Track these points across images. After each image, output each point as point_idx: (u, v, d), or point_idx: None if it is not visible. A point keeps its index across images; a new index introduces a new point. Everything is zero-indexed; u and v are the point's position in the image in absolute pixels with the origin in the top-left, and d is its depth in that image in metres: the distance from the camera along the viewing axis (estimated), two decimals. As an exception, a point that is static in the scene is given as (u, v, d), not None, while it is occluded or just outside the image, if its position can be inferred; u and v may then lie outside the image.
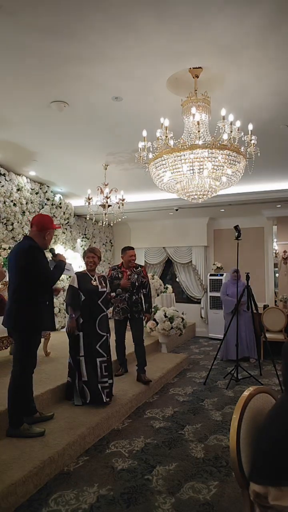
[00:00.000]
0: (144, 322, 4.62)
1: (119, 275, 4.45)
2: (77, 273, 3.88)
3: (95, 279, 3.80)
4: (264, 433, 1.51)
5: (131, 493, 2.45)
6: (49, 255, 3.18)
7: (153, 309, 6.14)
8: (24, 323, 2.83)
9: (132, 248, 4.61)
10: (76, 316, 3.65)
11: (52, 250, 3.25)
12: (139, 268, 4.58)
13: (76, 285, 3.69)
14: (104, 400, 3.57)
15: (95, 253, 3.87)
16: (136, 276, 4.46)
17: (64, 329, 6.99)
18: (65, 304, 3.85)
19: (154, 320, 6.00)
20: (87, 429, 3.09)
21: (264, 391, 1.72)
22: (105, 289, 3.81)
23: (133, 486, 2.53)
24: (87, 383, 3.58)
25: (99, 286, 3.76)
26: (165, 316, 5.89)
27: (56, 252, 3.22)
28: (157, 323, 5.95)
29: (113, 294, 4.16)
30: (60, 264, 3.10)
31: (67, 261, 3.28)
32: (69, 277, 6.61)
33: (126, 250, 4.57)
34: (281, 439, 1.42)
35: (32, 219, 3.11)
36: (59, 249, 6.95)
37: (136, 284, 4.45)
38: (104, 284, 3.85)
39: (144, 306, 4.55)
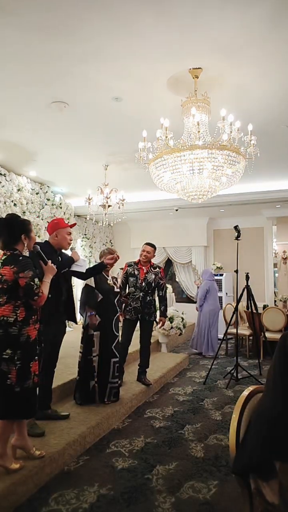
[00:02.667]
0: (156, 325, 4.54)
1: (135, 272, 4.29)
2: None
3: (110, 279, 3.84)
4: (248, 430, 1.55)
5: (131, 493, 2.46)
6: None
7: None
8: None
9: (150, 245, 4.38)
10: (94, 314, 3.64)
11: (71, 248, 3.38)
12: (157, 268, 4.42)
13: (92, 284, 3.68)
14: (109, 399, 3.60)
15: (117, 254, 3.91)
16: (153, 276, 4.30)
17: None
18: (79, 303, 3.81)
19: (154, 319, 6.00)
20: (87, 429, 3.10)
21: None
22: (118, 289, 3.86)
23: (133, 486, 2.53)
24: (98, 383, 3.58)
25: (115, 286, 3.81)
26: (157, 323, 5.88)
27: (72, 250, 3.38)
28: (157, 323, 5.95)
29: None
30: (67, 260, 3.22)
31: (81, 258, 3.35)
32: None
33: (144, 244, 4.40)
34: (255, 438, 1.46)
35: None
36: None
37: (153, 284, 4.30)
38: (117, 284, 3.90)
39: (159, 309, 4.45)
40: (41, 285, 2.41)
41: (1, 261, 2.37)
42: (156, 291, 4.44)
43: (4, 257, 2.38)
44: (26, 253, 2.47)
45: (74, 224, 3.49)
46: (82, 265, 3.38)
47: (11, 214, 2.59)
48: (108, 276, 3.83)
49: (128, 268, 4.36)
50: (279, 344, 1.52)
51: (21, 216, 2.66)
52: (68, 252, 3.37)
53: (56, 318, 3.11)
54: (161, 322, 4.56)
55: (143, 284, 4.25)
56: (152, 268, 4.36)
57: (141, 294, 4.24)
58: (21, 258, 2.36)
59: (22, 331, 2.32)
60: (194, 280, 8.41)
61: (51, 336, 3.06)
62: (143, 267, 4.32)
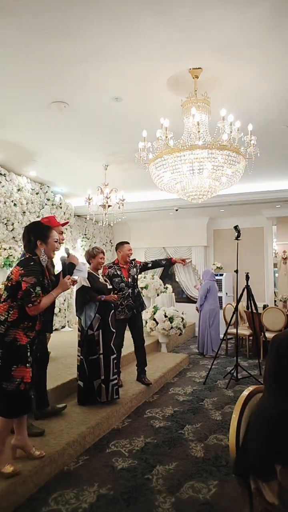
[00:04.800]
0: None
1: (118, 272, 4.27)
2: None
3: (101, 277, 3.89)
4: (248, 431, 1.55)
5: (131, 493, 2.46)
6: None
7: (153, 309, 6.16)
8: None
9: (128, 243, 4.45)
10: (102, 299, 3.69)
11: (66, 250, 3.30)
12: (134, 262, 4.43)
13: (88, 284, 3.66)
14: (112, 398, 3.60)
15: (104, 254, 3.95)
16: (134, 269, 4.36)
17: (64, 329, 7.04)
18: (76, 306, 3.78)
19: (154, 320, 6.01)
20: (87, 429, 3.10)
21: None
22: (111, 286, 3.89)
23: (133, 486, 2.53)
24: (104, 381, 3.57)
25: (107, 284, 3.86)
26: (165, 316, 5.90)
27: (69, 253, 3.28)
28: (157, 323, 5.96)
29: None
30: (69, 266, 3.15)
31: (80, 261, 3.32)
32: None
33: (123, 244, 4.38)
34: (256, 439, 1.46)
35: None
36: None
37: (136, 277, 4.37)
38: (109, 282, 3.94)
39: (160, 262, 4.49)
40: (44, 296, 2.39)
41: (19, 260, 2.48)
42: (142, 272, 4.51)
43: (22, 258, 2.49)
44: (44, 259, 2.47)
45: (67, 222, 3.43)
46: (83, 270, 3.35)
47: (35, 221, 2.72)
48: (99, 275, 3.87)
49: (109, 270, 4.29)
50: (270, 346, 1.53)
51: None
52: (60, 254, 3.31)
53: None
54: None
55: (129, 280, 4.29)
56: (131, 264, 4.40)
57: (129, 290, 4.26)
58: (32, 263, 2.38)
59: (8, 331, 2.31)
60: (195, 285, 8.40)
61: (43, 339, 3.11)
62: (124, 266, 4.35)
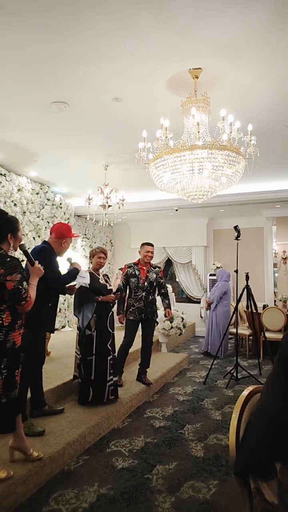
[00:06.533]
0: (158, 324, 4.58)
1: (136, 273, 4.29)
2: None
3: (101, 278, 3.87)
4: (247, 429, 1.56)
5: (131, 492, 2.46)
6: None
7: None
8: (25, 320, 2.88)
9: (151, 245, 4.41)
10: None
11: (69, 259, 3.38)
12: (157, 268, 4.46)
13: (86, 285, 3.65)
14: (108, 399, 3.59)
15: (105, 254, 3.92)
16: (154, 276, 4.34)
17: (64, 329, 7.04)
18: (74, 306, 3.79)
19: (156, 319, 6.01)
20: (87, 428, 3.10)
21: (264, 390, 1.73)
22: (111, 287, 3.87)
23: (133, 485, 2.54)
24: (92, 382, 3.56)
25: (107, 285, 3.83)
26: (165, 316, 5.89)
27: (72, 261, 3.37)
28: (157, 323, 5.96)
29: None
30: (73, 271, 3.22)
31: (82, 269, 3.37)
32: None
33: (144, 245, 4.37)
34: (255, 437, 1.47)
35: (52, 226, 3.33)
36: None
37: (154, 283, 4.34)
38: (109, 282, 3.92)
39: (163, 303, 4.51)
40: (28, 289, 2.27)
41: None
42: (157, 290, 4.47)
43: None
44: (12, 253, 2.31)
45: (78, 236, 3.58)
46: (85, 276, 3.41)
47: (1, 211, 2.40)
48: (99, 275, 3.86)
49: (128, 269, 4.35)
50: (280, 346, 1.52)
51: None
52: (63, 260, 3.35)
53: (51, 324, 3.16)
54: (168, 315, 4.57)
55: (146, 283, 4.27)
56: (152, 268, 4.40)
57: (143, 294, 4.26)
58: (8, 259, 2.19)
59: (8, 337, 2.18)
60: (206, 300, 8.22)
61: (41, 340, 3.13)
62: (144, 267, 4.35)
